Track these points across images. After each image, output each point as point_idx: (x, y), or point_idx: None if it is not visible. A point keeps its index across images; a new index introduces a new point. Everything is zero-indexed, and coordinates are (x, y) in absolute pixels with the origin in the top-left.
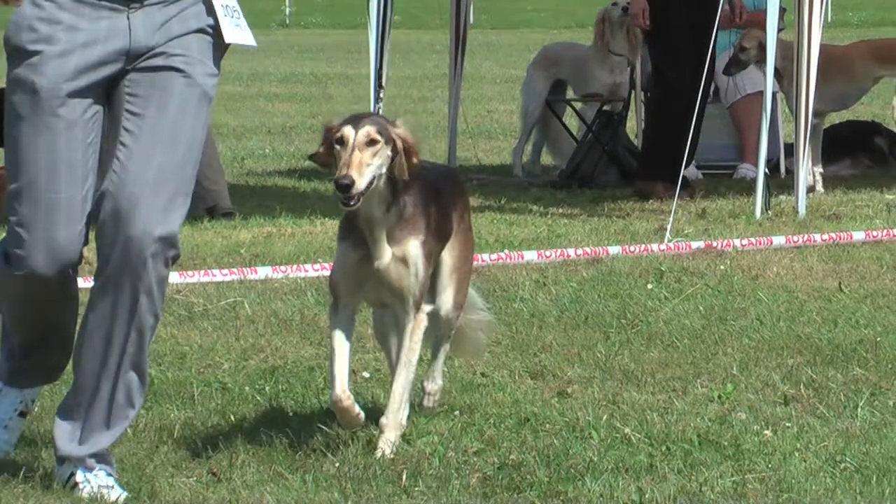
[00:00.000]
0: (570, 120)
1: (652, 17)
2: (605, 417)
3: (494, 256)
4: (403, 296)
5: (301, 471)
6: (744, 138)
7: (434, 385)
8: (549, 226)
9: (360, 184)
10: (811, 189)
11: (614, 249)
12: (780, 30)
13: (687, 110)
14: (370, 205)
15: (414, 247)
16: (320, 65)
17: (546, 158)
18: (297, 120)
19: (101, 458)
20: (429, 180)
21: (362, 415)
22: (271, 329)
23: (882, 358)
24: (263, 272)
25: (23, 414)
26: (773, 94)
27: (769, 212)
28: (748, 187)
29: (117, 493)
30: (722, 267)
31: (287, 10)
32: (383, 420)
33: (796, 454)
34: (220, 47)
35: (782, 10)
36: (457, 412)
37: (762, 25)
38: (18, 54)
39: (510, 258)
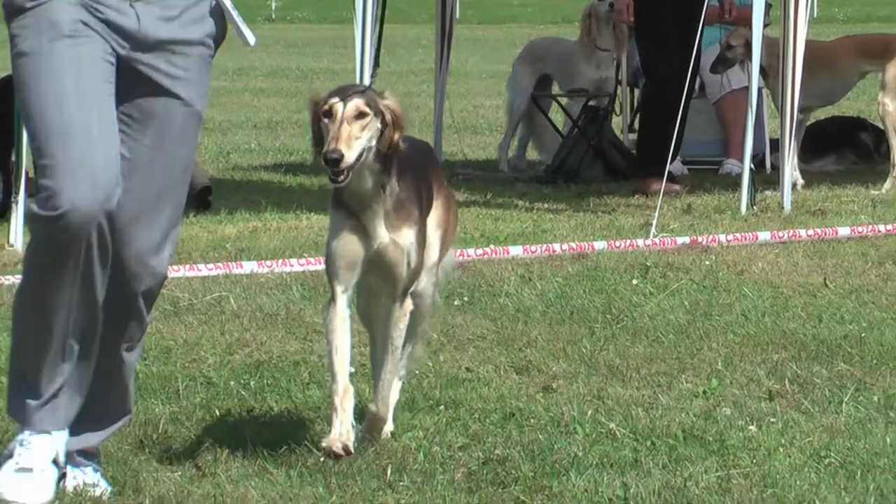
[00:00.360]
0: (556, 115)
1: (639, 11)
2: (590, 412)
3: (480, 251)
4: (395, 282)
5: (286, 465)
6: (729, 134)
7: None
8: (534, 221)
9: (350, 157)
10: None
11: (600, 245)
12: (765, 25)
13: (674, 105)
14: (360, 180)
15: (410, 235)
16: (306, 60)
17: (532, 153)
18: (282, 115)
19: (89, 455)
20: (411, 156)
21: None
22: (256, 324)
23: (867, 353)
24: (249, 267)
25: (55, 462)
26: (759, 90)
27: (754, 207)
28: (734, 183)
29: (103, 488)
30: (707, 262)
31: (273, 4)
32: (372, 407)
33: (781, 449)
34: (212, 58)
35: (768, 6)
36: (441, 407)
37: (751, 22)
38: (23, 11)
39: (495, 253)
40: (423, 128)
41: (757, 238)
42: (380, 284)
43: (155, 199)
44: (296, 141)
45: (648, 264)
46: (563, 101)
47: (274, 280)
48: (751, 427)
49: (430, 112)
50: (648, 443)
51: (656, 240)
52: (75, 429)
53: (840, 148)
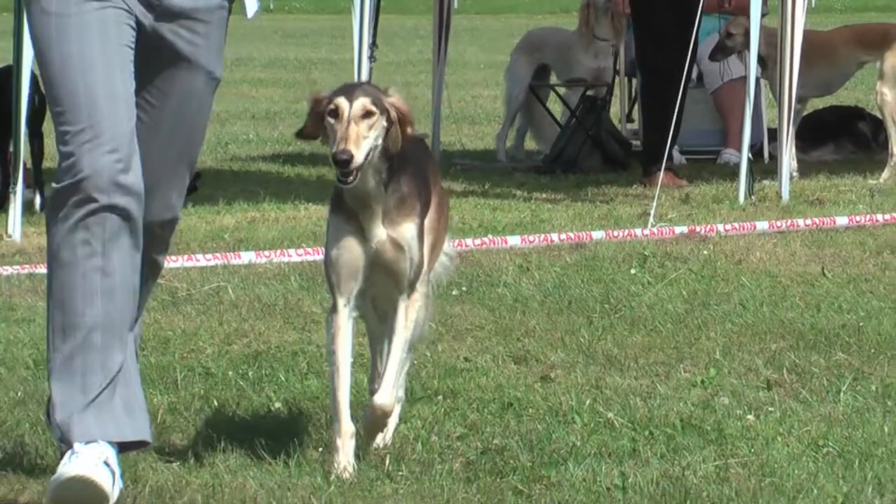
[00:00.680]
0: (554, 105)
1: (634, 2)
2: (588, 402)
3: (478, 241)
4: (398, 278)
5: (284, 456)
6: (727, 124)
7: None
8: (532, 211)
9: (359, 157)
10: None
11: (598, 234)
12: (763, 14)
13: (672, 95)
14: (365, 179)
15: (409, 230)
16: (304, 50)
17: (530, 143)
18: (281, 105)
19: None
20: (408, 151)
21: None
22: (255, 314)
23: (865, 343)
24: (247, 257)
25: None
26: (757, 80)
27: (752, 197)
28: (732, 172)
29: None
30: (705, 252)
31: None
32: (377, 400)
33: (779, 439)
34: (229, 14)
35: None
36: (440, 397)
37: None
38: None
39: (494, 243)
40: (421, 118)
41: (755, 228)
42: (384, 283)
43: (174, 164)
44: (294, 131)
45: (646, 254)
46: (562, 90)
47: (272, 270)
48: (749, 416)
49: (428, 102)
50: (646, 432)
51: (654, 229)
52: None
53: (838, 137)
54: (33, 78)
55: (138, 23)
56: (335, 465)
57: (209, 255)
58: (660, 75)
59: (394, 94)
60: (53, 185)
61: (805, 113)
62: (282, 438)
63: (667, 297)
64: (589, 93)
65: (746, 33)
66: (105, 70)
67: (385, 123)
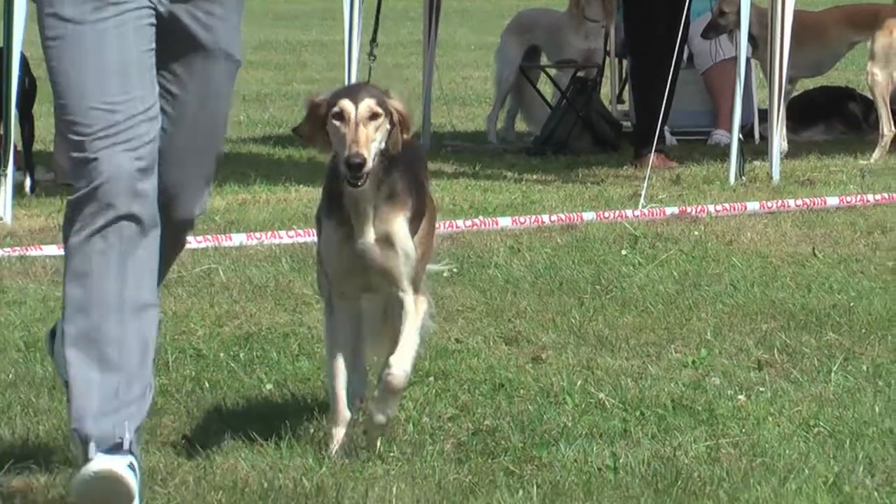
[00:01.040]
0: (545, 86)
1: None
2: (579, 383)
3: (469, 223)
4: (394, 276)
5: (275, 437)
6: (718, 104)
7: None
8: (523, 192)
9: (370, 160)
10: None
11: (588, 215)
12: None
13: (662, 76)
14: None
15: (400, 225)
16: (295, 32)
17: (520, 125)
18: (271, 87)
19: None
20: (405, 153)
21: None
22: (246, 296)
23: (855, 323)
24: (238, 239)
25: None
26: (747, 60)
27: (743, 177)
28: (722, 153)
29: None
30: (696, 232)
31: None
32: (391, 378)
33: (770, 419)
34: None
35: None
36: (431, 378)
37: None
38: None
39: (484, 224)
40: (411, 100)
41: (746, 208)
42: (381, 283)
43: (199, 153)
44: (284, 113)
45: (637, 235)
46: (552, 72)
47: (263, 252)
48: (740, 396)
49: (419, 84)
50: (638, 413)
51: (645, 210)
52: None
53: (829, 118)
54: (23, 60)
55: (156, 13)
56: (330, 450)
57: (200, 238)
58: (650, 56)
59: (395, 96)
60: (68, 198)
61: (795, 93)
62: (273, 420)
63: (658, 277)
64: (579, 74)
65: (739, 12)
66: (123, 79)
67: (388, 126)
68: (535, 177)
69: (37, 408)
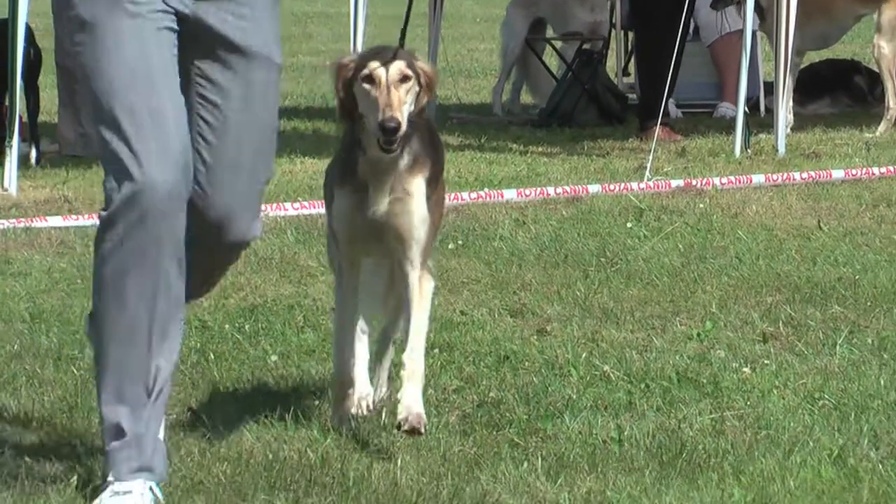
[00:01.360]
0: (550, 59)
1: None
2: (584, 355)
3: (474, 195)
4: (406, 239)
5: (280, 409)
6: (724, 77)
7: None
8: (528, 164)
9: (404, 124)
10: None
11: (594, 188)
12: None
13: (668, 49)
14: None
15: (418, 185)
16: (300, 4)
17: (526, 97)
18: None
19: None
20: (423, 122)
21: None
22: (251, 268)
23: (860, 296)
24: None
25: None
26: (753, 33)
27: (749, 150)
28: (728, 126)
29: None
30: (701, 205)
31: None
32: (410, 365)
33: (775, 392)
34: None
35: None
36: (436, 350)
37: None
38: None
39: (490, 197)
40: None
41: (751, 181)
42: (393, 249)
43: (249, 167)
44: (289, 85)
45: (643, 207)
46: (558, 44)
47: (268, 224)
48: (745, 369)
49: (425, 56)
50: (643, 385)
51: (650, 183)
52: None
53: (834, 91)
54: (28, 31)
55: (179, 16)
56: (334, 419)
57: None
58: (656, 29)
59: (421, 58)
60: (101, 212)
61: (802, 66)
62: (278, 392)
63: (663, 250)
64: (585, 46)
65: None
66: (147, 85)
67: (416, 88)
68: (540, 149)
69: (42, 378)
